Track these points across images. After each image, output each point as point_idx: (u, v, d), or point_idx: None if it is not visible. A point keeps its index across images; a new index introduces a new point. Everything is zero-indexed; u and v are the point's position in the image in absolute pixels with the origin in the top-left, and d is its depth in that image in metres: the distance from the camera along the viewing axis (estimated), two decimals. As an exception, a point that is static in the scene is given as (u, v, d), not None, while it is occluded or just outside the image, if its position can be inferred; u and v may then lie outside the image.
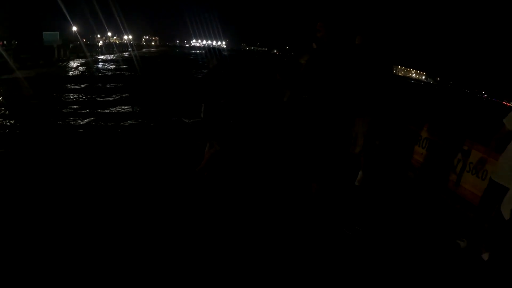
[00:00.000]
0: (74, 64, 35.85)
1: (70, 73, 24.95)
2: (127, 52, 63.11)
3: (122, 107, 11.78)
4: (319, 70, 3.79)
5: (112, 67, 32.98)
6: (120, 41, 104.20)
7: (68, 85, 14.11)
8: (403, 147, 6.10)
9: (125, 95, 12.77)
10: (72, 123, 9.36)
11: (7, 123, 8.82)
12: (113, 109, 11.54)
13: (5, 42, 42.56)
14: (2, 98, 10.68)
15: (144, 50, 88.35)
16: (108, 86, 10.31)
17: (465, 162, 4.90)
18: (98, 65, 33.71)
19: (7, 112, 9.24)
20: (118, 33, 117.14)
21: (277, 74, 4.24)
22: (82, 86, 14.15)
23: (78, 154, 6.10)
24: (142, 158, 5.88)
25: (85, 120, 10.18)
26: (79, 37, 58.79)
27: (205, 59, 4.65)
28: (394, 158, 6.09)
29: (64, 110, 11.12)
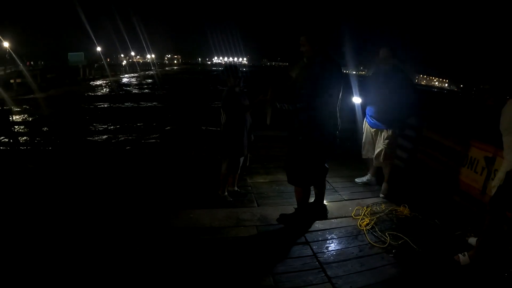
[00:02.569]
0: (98, 83, 36.72)
1: (95, 92, 25.47)
2: (150, 71, 64.27)
3: (147, 123, 11.95)
4: (308, 80, 3.85)
5: (135, 85, 33.56)
6: (143, 60, 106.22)
7: (94, 103, 14.42)
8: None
9: (151, 112, 12.96)
10: (98, 138, 9.54)
11: (36, 140, 9.04)
12: (138, 124, 11.74)
13: (32, 63, 43.87)
14: (30, 116, 10.98)
15: (167, 68, 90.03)
16: (131, 104, 10.45)
17: (490, 170, 4.76)
18: (122, 84, 34.31)
19: (35, 129, 9.46)
20: (141, 52, 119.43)
21: (261, 95, 4.33)
22: (106, 104, 14.41)
23: (105, 168, 6.19)
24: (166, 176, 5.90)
25: (110, 136, 10.37)
26: (102, 57, 60.17)
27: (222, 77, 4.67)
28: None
29: (91, 127, 11.38)
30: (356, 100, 5.40)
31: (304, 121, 3.96)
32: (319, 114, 3.90)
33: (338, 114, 4.07)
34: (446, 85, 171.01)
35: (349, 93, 5.34)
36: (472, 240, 4.04)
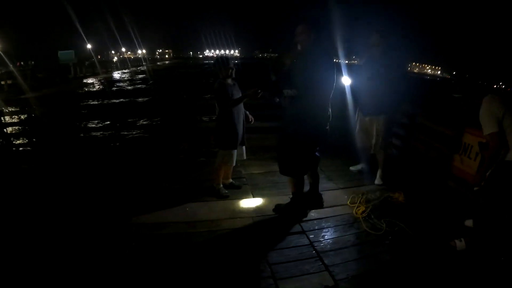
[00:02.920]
0: (89, 80, 36.50)
1: (86, 90, 25.35)
2: (141, 66, 63.90)
3: (139, 118, 11.93)
4: (302, 69, 3.81)
5: (127, 81, 33.41)
6: (134, 56, 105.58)
7: (84, 101, 14.30)
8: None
9: (142, 109, 12.89)
10: (90, 135, 9.49)
11: (28, 140, 8.96)
12: (131, 120, 11.67)
13: (22, 63, 43.46)
14: (22, 116, 10.86)
15: (158, 63, 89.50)
16: (125, 100, 10.41)
17: (484, 155, 4.74)
18: (114, 81, 34.15)
19: (27, 129, 9.39)
20: (132, 47, 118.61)
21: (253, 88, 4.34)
22: (98, 101, 14.34)
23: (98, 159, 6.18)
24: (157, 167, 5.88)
25: (102, 132, 10.32)
26: (93, 54, 59.70)
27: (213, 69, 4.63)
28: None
29: (82, 125, 11.28)
30: (346, 81, 5.36)
31: (296, 110, 3.94)
32: (311, 104, 3.88)
33: (329, 106, 4.05)
34: (439, 72, 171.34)
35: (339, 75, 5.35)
36: (469, 222, 4.11)
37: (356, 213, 4.35)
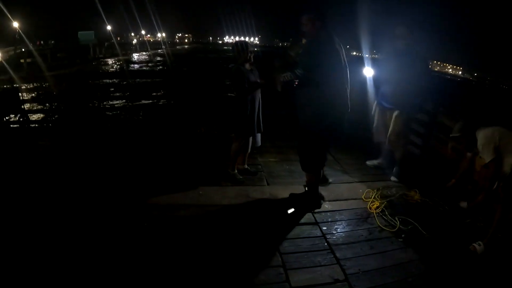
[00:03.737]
0: (109, 61, 36.67)
1: (106, 70, 25.48)
2: (160, 49, 64.03)
3: (157, 99, 11.90)
4: (307, 55, 3.78)
5: (146, 63, 33.53)
6: (153, 39, 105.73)
7: (105, 81, 14.38)
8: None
9: (160, 90, 12.87)
10: (109, 114, 9.54)
11: (46, 117, 9.04)
12: (148, 101, 11.69)
13: (42, 42, 43.83)
14: (42, 94, 10.97)
15: (178, 47, 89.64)
16: (143, 80, 10.41)
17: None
18: (133, 62, 34.30)
19: (46, 107, 9.45)
20: (152, 31, 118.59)
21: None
22: (116, 81, 14.37)
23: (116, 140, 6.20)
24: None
25: (120, 112, 10.36)
26: (113, 36, 59.89)
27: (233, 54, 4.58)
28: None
29: (100, 104, 11.34)
30: (368, 72, 5.27)
31: (303, 100, 3.92)
32: (325, 93, 3.79)
33: (344, 96, 3.93)
34: (460, 73, 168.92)
35: (360, 65, 5.26)
36: (464, 204, 4.38)
37: (370, 208, 4.30)
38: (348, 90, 3.97)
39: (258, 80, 4.50)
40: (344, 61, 3.90)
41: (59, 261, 3.01)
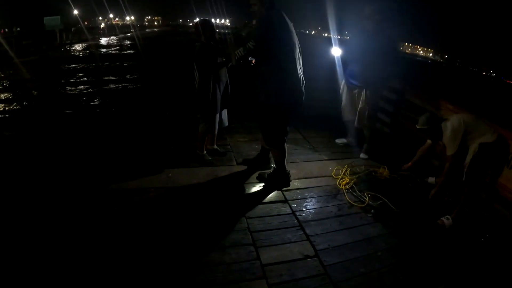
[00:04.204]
0: (76, 47, 35.78)
1: (73, 55, 24.87)
2: (129, 33, 62.81)
3: (125, 83, 11.72)
4: (256, 35, 3.78)
5: (115, 48, 32.85)
6: (122, 23, 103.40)
7: (71, 66, 14.05)
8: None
9: (128, 74, 12.65)
10: (76, 100, 9.33)
11: (13, 107, 8.78)
12: (116, 86, 11.48)
13: (6, 30, 42.28)
14: (6, 83, 10.65)
15: (147, 30, 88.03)
16: (111, 64, 10.19)
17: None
18: (101, 47, 33.54)
19: (11, 96, 9.20)
20: (120, 14, 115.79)
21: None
22: (84, 66, 14.06)
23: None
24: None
25: (86, 98, 10.16)
26: (80, 20, 58.25)
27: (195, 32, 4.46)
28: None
29: (69, 91, 11.10)
30: (336, 51, 5.28)
31: (263, 77, 3.92)
32: (276, 68, 3.81)
33: (298, 70, 3.91)
34: (431, 55, 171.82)
35: (328, 45, 5.26)
36: (432, 180, 4.58)
37: (340, 185, 4.34)
38: (301, 65, 3.97)
39: (223, 59, 4.44)
40: (295, 36, 3.91)
41: (22, 247, 2.94)
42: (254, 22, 4.08)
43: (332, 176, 4.59)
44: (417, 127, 4.17)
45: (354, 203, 3.97)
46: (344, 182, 4.37)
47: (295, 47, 3.87)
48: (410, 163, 4.82)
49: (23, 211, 3.42)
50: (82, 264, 2.78)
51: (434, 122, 4.07)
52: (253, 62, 4.06)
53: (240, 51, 3.84)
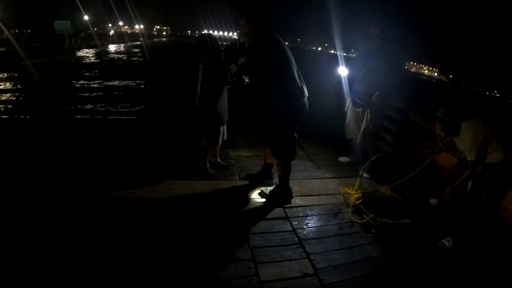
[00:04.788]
0: (84, 52, 35.95)
1: (80, 61, 25.00)
2: (138, 41, 63.16)
3: (132, 92, 11.77)
4: (248, 61, 3.80)
5: (123, 55, 33.03)
6: (131, 31, 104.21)
7: (78, 72, 14.11)
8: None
9: (136, 81, 12.69)
10: (80, 107, 9.37)
11: (18, 108, 8.83)
12: (121, 93, 11.54)
13: (17, 31, 42.66)
14: (13, 84, 10.73)
15: (155, 39, 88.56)
16: (118, 71, 10.26)
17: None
18: (109, 54, 33.73)
19: (18, 97, 9.27)
20: (130, 22, 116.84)
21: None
22: (92, 73, 14.15)
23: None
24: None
25: (92, 106, 10.18)
26: (90, 26, 58.80)
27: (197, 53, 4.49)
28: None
29: (74, 96, 11.15)
30: (342, 71, 5.33)
31: (260, 99, 4.03)
32: (271, 91, 3.90)
33: (298, 84, 3.96)
34: (436, 74, 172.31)
35: (335, 67, 5.30)
36: (433, 201, 4.57)
37: (341, 204, 4.38)
38: (301, 77, 4.02)
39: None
40: (289, 51, 3.96)
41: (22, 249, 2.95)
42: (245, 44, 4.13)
43: (333, 194, 4.61)
44: (436, 114, 4.00)
45: (354, 223, 3.98)
46: (346, 201, 4.43)
47: (292, 62, 3.94)
48: (447, 191, 4.30)
49: (25, 215, 3.44)
50: (82, 272, 2.78)
51: (456, 117, 3.88)
52: (247, 80, 4.12)
53: (233, 67, 3.87)
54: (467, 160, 3.79)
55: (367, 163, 5.25)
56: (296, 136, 4.17)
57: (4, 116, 7.03)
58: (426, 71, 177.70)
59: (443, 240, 3.73)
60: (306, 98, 4.04)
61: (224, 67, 4.06)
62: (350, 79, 5.36)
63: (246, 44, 4.10)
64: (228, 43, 4.37)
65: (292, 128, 4.08)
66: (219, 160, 5.02)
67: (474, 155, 3.69)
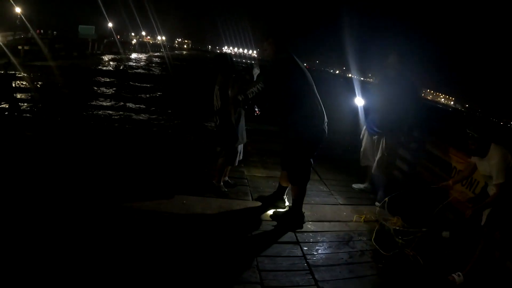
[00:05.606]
0: (106, 58, 36.53)
1: (102, 67, 25.38)
2: (159, 52, 64.02)
3: (150, 107, 11.88)
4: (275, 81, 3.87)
5: (144, 65, 33.46)
6: (153, 41, 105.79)
7: (99, 78, 14.31)
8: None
9: (155, 94, 12.82)
10: (99, 113, 9.50)
11: (38, 108, 8.96)
12: (141, 104, 11.64)
13: (42, 31, 43.63)
14: (35, 84, 10.91)
15: (176, 52, 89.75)
16: (138, 83, 10.37)
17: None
18: (130, 62, 34.20)
19: (38, 97, 9.40)
20: (152, 33, 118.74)
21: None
22: (113, 80, 14.35)
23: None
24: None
25: (111, 112, 10.31)
26: (113, 33, 59.82)
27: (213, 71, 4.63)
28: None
29: (93, 102, 11.29)
30: (359, 101, 5.35)
31: (282, 123, 4.12)
32: (294, 114, 3.96)
33: (319, 109, 4.03)
34: (452, 103, 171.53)
35: (351, 95, 5.32)
36: (446, 234, 4.49)
37: (353, 232, 4.33)
38: (320, 102, 4.08)
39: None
40: (309, 76, 4.03)
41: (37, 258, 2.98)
42: (255, 68, 4.31)
43: (345, 221, 4.58)
44: (467, 131, 3.83)
45: (365, 252, 3.95)
46: (357, 229, 4.39)
47: (312, 85, 4.00)
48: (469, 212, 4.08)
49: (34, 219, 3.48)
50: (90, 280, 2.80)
51: (487, 135, 3.75)
52: (257, 111, 4.16)
53: (251, 92, 3.87)
54: (494, 184, 3.66)
55: (385, 199, 5.20)
56: (312, 161, 4.20)
57: (24, 115, 7.13)
58: (443, 100, 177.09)
59: (453, 275, 3.65)
60: (326, 123, 4.07)
61: (234, 95, 4.15)
62: (367, 106, 5.38)
63: (256, 69, 4.30)
64: (241, 68, 4.44)
65: (312, 152, 4.12)
66: (227, 178, 5.04)
67: (503, 177, 3.56)
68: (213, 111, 4.64)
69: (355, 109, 5.63)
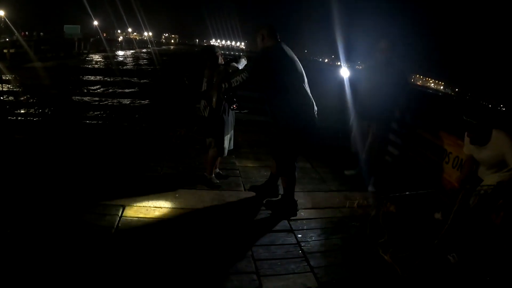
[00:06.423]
0: (93, 57, 36.26)
1: (89, 66, 25.19)
2: (146, 48, 63.64)
3: (139, 101, 11.81)
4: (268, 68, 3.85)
5: (131, 61, 33.26)
6: (140, 37, 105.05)
7: (87, 77, 14.17)
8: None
9: (143, 89, 12.75)
10: (87, 114, 9.42)
11: (26, 111, 8.87)
12: (130, 99, 11.57)
13: (27, 33, 43.24)
14: (22, 86, 10.79)
15: (163, 47, 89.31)
16: (127, 78, 10.30)
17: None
18: (118, 59, 33.98)
19: (26, 99, 9.29)
20: (139, 29, 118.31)
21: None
22: (100, 78, 14.23)
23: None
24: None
25: (100, 110, 10.23)
26: (99, 31, 59.33)
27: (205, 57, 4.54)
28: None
29: (81, 100, 11.19)
30: (344, 72, 5.35)
31: (271, 112, 4.09)
32: (283, 102, 3.95)
33: (308, 97, 4.02)
34: (442, 87, 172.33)
35: (337, 68, 5.34)
36: (438, 215, 4.38)
37: (346, 218, 4.34)
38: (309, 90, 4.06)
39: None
40: (299, 64, 4.02)
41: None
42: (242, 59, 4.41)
43: (338, 208, 4.57)
44: (464, 118, 3.66)
45: (359, 237, 3.94)
46: (351, 215, 4.41)
47: (302, 75, 3.99)
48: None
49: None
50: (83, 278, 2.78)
51: (486, 122, 3.58)
52: (234, 107, 4.14)
53: (235, 81, 3.87)
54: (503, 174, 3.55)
55: (373, 177, 5.24)
56: (306, 150, 4.19)
57: (12, 118, 7.04)
58: (432, 85, 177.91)
59: (448, 256, 3.68)
60: (315, 112, 4.06)
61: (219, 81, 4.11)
62: (355, 92, 5.39)
63: (244, 60, 4.36)
64: (228, 59, 4.42)
65: (302, 140, 4.12)
66: (218, 170, 5.03)
67: None
68: (199, 96, 4.63)
69: (343, 95, 5.61)
